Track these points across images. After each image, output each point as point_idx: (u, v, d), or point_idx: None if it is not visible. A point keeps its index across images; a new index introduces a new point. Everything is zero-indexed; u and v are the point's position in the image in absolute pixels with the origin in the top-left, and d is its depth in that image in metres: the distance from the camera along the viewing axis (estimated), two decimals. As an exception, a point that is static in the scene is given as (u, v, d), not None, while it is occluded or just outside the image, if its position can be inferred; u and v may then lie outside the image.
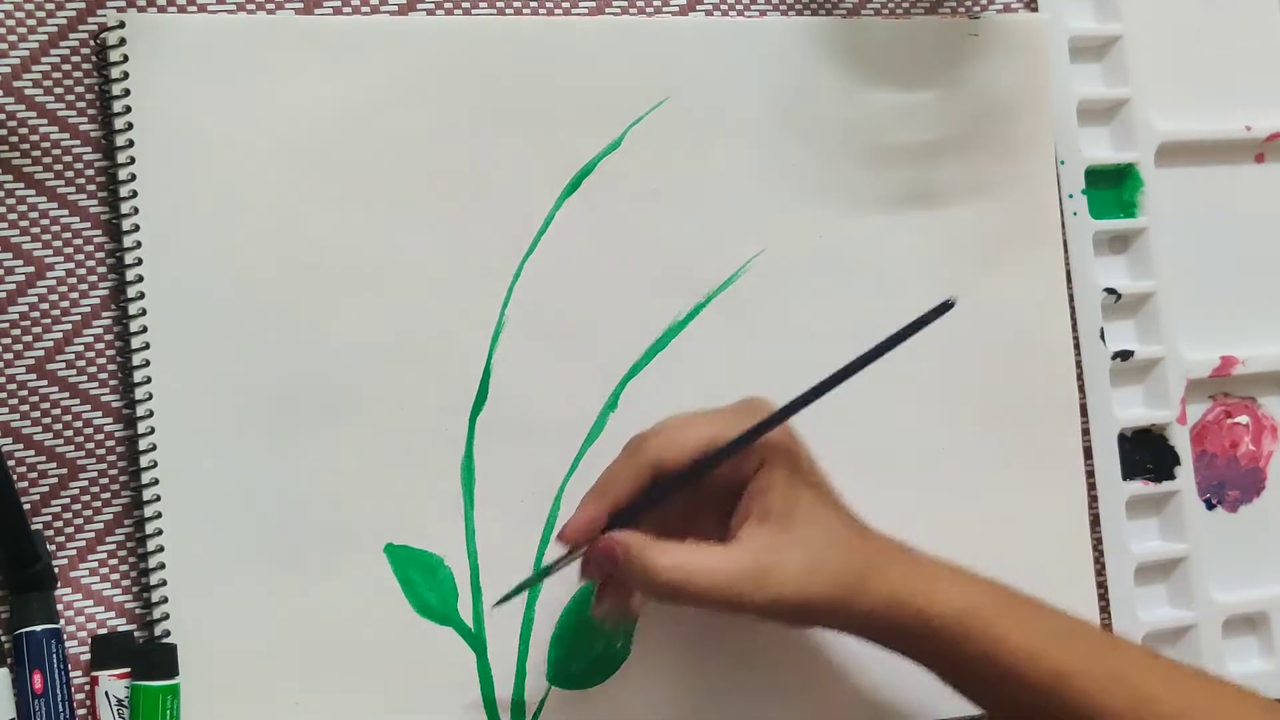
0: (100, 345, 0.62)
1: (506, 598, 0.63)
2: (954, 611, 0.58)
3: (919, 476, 0.72)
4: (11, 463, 0.60)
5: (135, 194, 0.62)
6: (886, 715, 0.70)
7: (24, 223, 0.61)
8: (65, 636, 0.60)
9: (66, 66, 0.62)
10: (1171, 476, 0.76)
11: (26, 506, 0.60)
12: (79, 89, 0.62)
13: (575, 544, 0.58)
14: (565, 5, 0.69)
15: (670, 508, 0.59)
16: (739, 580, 0.56)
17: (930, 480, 0.72)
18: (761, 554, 0.57)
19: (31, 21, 0.62)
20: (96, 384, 0.62)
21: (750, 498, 0.58)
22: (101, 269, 0.62)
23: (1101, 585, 0.74)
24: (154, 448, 0.61)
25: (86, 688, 0.60)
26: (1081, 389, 0.75)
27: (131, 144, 0.62)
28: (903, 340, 0.54)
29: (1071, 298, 0.75)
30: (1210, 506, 0.78)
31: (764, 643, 0.68)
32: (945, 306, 0.53)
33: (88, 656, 0.61)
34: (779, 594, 0.56)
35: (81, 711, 0.60)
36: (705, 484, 0.58)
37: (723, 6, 0.71)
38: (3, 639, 0.59)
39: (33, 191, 0.61)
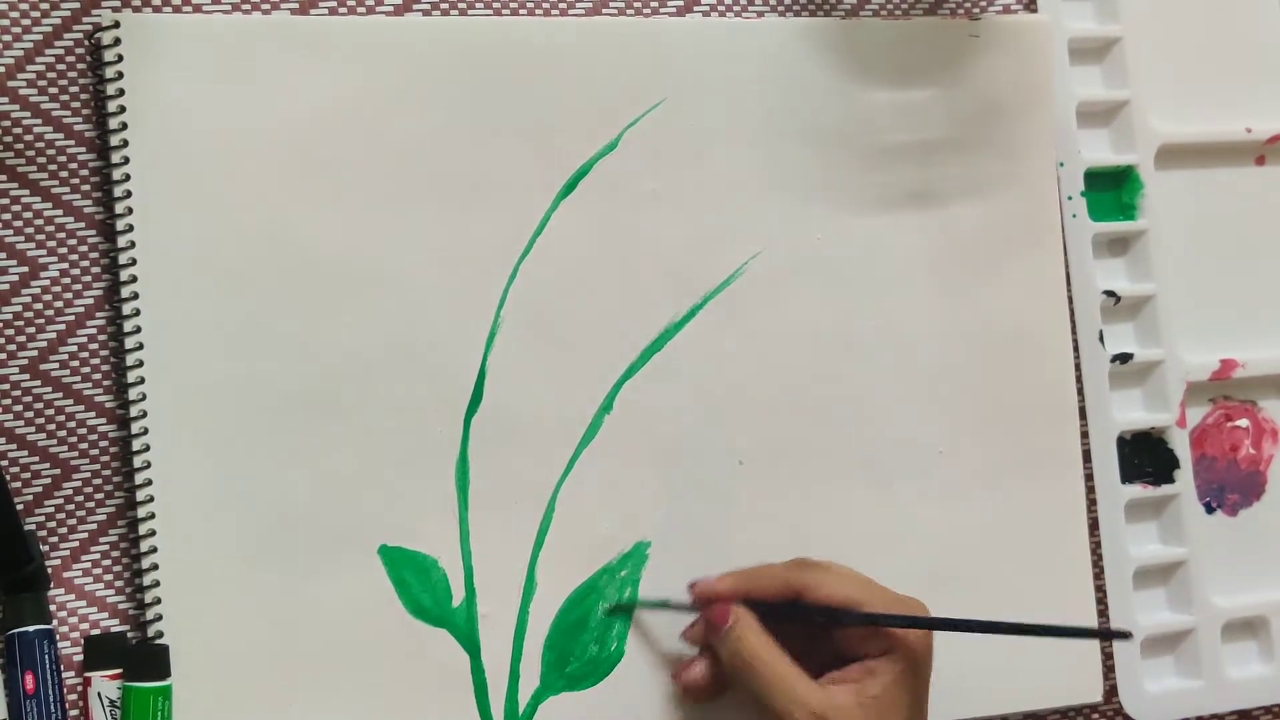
0: (94, 346, 0.62)
1: (620, 608, 0.66)
2: None
3: (917, 478, 0.71)
4: (4, 463, 0.60)
5: (129, 194, 0.61)
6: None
7: (18, 223, 0.61)
8: (58, 637, 0.60)
9: (61, 66, 0.62)
10: (1171, 480, 0.76)
11: (20, 507, 0.60)
12: (74, 89, 0.62)
13: (698, 601, 0.64)
14: (562, 6, 0.69)
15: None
16: (798, 706, 0.59)
17: (929, 482, 0.71)
18: (830, 709, 0.60)
19: (26, 21, 0.62)
20: (90, 384, 0.62)
21: (861, 669, 0.61)
22: (95, 269, 0.62)
23: (1100, 589, 0.74)
24: (148, 448, 0.61)
25: (79, 688, 0.60)
26: (1080, 392, 0.75)
27: (126, 144, 0.62)
28: (1075, 636, 0.58)
29: (1070, 300, 0.75)
30: (1210, 510, 0.77)
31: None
32: (1123, 635, 0.60)
33: (80, 657, 0.61)
34: None
35: (74, 712, 0.60)
36: (836, 631, 0.62)
37: (720, 7, 0.71)
38: (-5, 639, 0.59)
39: (27, 191, 0.61)
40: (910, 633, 0.61)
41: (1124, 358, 0.75)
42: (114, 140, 0.61)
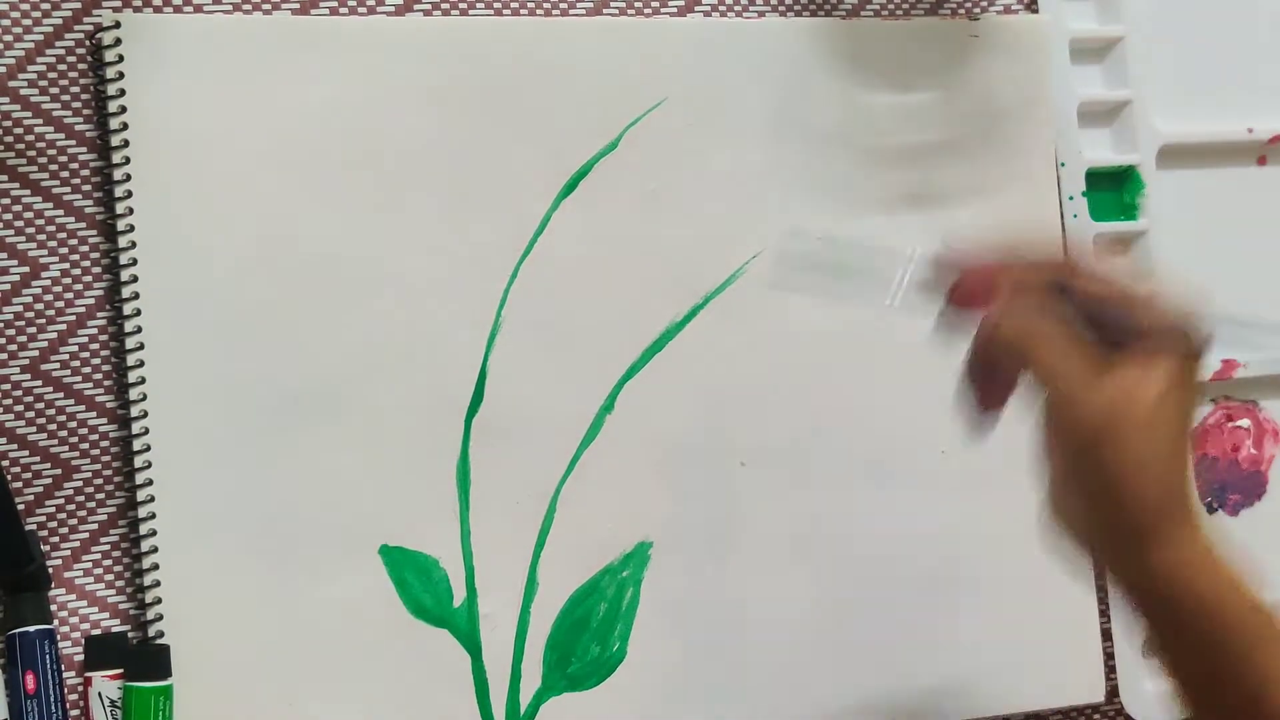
0: (95, 346, 0.62)
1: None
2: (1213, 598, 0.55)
3: (920, 479, 0.71)
4: (5, 463, 0.60)
5: (130, 194, 0.62)
6: (882, 718, 0.70)
7: (19, 223, 0.61)
8: (59, 637, 0.60)
9: (62, 66, 0.62)
10: (1172, 480, 0.76)
11: (21, 507, 0.60)
12: (74, 89, 0.62)
13: (950, 262, 0.57)
14: (563, 6, 0.69)
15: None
16: (1092, 393, 0.52)
17: (931, 483, 0.71)
18: (1120, 381, 0.53)
19: (27, 21, 0.62)
20: (91, 384, 0.62)
21: (1143, 359, 0.54)
22: (96, 269, 0.62)
23: (1101, 589, 0.74)
24: (148, 448, 0.61)
25: (80, 688, 0.60)
26: (1082, 392, 0.74)
27: (127, 144, 0.62)
28: None
29: (1072, 300, 0.75)
30: (1211, 510, 0.77)
31: (760, 644, 0.68)
32: None
33: (81, 657, 0.61)
34: (1101, 422, 0.52)
35: (75, 712, 0.60)
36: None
37: (721, 7, 0.71)
38: (-4, 639, 0.59)
39: (28, 191, 0.61)
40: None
41: (1125, 358, 0.75)
42: (115, 140, 0.62)
